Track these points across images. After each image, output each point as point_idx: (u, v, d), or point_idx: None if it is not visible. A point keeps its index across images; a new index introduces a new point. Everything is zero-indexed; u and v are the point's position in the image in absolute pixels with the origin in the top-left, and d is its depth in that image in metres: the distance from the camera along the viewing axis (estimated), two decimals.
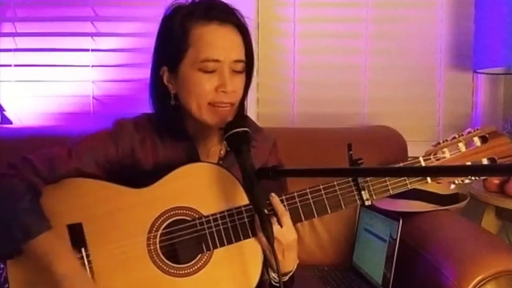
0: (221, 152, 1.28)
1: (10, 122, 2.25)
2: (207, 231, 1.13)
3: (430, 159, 1.15)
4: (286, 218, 1.11)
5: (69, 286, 1.05)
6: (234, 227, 1.13)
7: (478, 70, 2.15)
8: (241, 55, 1.18)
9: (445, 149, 1.14)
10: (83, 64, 2.26)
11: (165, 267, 1.12)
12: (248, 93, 1.25)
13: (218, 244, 1.13)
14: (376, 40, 2.29)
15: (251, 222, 1.13)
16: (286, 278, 1.19)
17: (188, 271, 1.12)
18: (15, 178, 1.11)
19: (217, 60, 1.14)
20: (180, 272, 1.12)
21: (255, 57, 1.25)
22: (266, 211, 1.05)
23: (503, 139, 1.12)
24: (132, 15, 2.27)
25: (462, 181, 1.17)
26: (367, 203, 1.15)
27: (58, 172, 1.15)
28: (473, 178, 1.18)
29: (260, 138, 1.33)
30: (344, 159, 1.15)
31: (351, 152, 1.14)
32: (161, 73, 1.20)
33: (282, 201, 1.14)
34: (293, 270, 1.19)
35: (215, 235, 1.13)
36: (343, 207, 1.15)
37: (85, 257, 1.11)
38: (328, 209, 1.15)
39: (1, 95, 2.25)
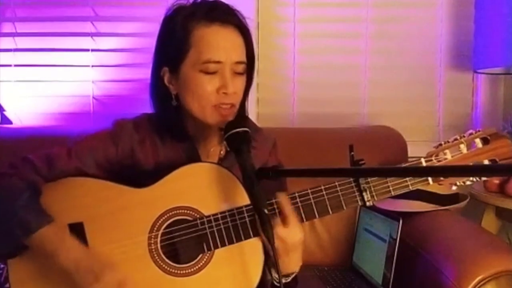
0: (221, 152, 1.28)
1: (10, 122, 2.25)
2: (208, 231, 1.13)
3: (431, 160, 1.15)
4: (291, 219, 1.11)
5: (82, 273, 1.05)
6: (235, 226, 1.13)
7: (478, 70, 2.15)
8: (242, 57, 1.18)
9: (447, 151, 1.14)
10: (83, 64, 2.26)
11: (166, 267, 1.12)
12: (248, 94, 1.25)
13: (219, 244, 1.13)
14: (376, 40, 2.30)
15: (252, 222, 1.13)
16: (289, 279, 1.18)
17: (189, 271, 1.13)
18: (14, 177, 1.12)
19: (218, 62, 1.14)
20: (181, 272, 1.12)
21: (255, 57, 1.24)
22: (266, 211, 1.05)
23: (505, 141, 1.12)
24: (132, 15, 2.27)
25: (464, 182, 1.17)
26: (368, 204, 1.15)
27: (58, 171, 1.16)
28: (474, 180, 1.18)
29: (260, 139, 1.33)
30: (345, 159, 1.15)
31: (352, 153, 1.14)
32: (162, 74, 1.20)
33: (273, 203, 1.13)
34: (297, 271, 1.18)
35: (216, 235, 1.13)
36: (344, 207, 1.15)
37: None
38: (329, 209, 1.14)
39: (1, 95, 2.25)
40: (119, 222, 1.13)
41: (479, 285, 1.27)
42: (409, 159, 1.19)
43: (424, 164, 1.15)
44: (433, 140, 1.66)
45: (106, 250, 1.12)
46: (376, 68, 2.30)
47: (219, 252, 1.13)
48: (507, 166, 0.72)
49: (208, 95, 1.15)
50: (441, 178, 1.15)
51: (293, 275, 1.19)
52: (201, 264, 1.13)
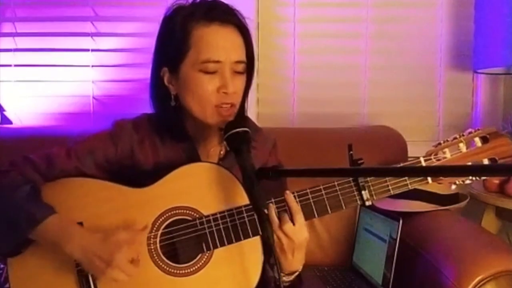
0: (221, 152, 1.28)
1: (10, 122, 2.24)
2: (207, 231, 1.13)
3: (430, 159, 1.15)
4: (300, 217, 1.11)
5: (91, 258, 1.05)
6: (234, 226, 1.13)
7: (478, 70, 2.15)
8: (242, 56, 1.18)
9: (446, 149, 1.14)
10: (83, 64, 2.26)
11: (165, 267, 1.12)
12: (248, 94, 1.25)
13: (218, 244, 1.13)
14: (376, 40, 2.29)
15: (252, 221, 1.13)
16: (292, 277, 1.19)
17: (188, 270, 1.13)
18: (13, 172, 1.13)
19: (218, 61, 1.13)
20: (180, 271, 1.12)
21: (255, 57, 1.24)
22: (266, 211, 1.05)
23: (504, 140, 1.12)
24: (132, 15, 2.27)
25: (463, 181, 1.17)
26: (368, 203, 1.15)
27: (57, 170, 1.16)
28: (473, 178, 1.18)
29: (260, 139, 1.33)
30: (344, 159, 1.15)
31: (351, 152, 1.14)
32: (161, 74, 1.20)
33: (282, 201, 1.14)
34: (300, 270, 1.19)
35: (215, 234, 1.13)
36: (344, 207, 1.15)
37: None
38: (329, 209, 1.15)
39: (1, 95, 2.25)
40: (119, 222, 1.13)
41: (479, 285, 1.27)
42: (409, 159, 1.19)
43: (423, 163, 1.15)
44: (433, 140, 1.66)
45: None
46: (376, 68, 2.30)
47: (219, 252, 1.13)
48: (507, 166, 0.72)
49: (208, 95, 1.14)
50: (440, 177, 1.15)
51: (296, 273, 1.19)
52: (200, 264, 1.13)
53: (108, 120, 1.25)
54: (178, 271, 1.12)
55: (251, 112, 1.29)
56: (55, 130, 1.97)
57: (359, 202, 1.15)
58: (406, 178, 1.14)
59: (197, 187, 1.15)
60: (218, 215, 1.14)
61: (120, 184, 1.16)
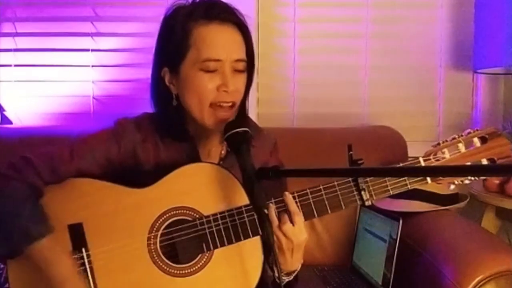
0: (222, 152, 1.28)
1: (10, 122, 2.24)
2: (207, 231, 1.13)
3: (430, 159, 1.15)
4: (299, 218, 1.11)
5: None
6: (234, 226, 1.13)
7: (478, 70, 2.15)
8: (242, 54, 1.18)
9: (445, 150, 1.14)
10: (83, 64, 2.26)
11: (165, 267, 1.13)
12: (249, 93, 1.25)
13: (218, 244, 1.13)
14: (376, 40, 2.29)
15: (252, 221, 1.13)
16: (291, 277, 1.19)
17: (189, 271, 1.13)
18: (15, 181, 1.11)
19: (218, 60, 1.14)
20: (181, 272, 1.12)
21: (255, 56, 1.24)
22: (266, 211, 1.05)
23: (503, 140, 1.12)
24: (132, 15, 2.27)
25: (462, 181, 1.17)
26: (367, 203, 1.15)
27: (59, 172, 1.15)
28: (472, 178, 1.18)
29: (261, 139, 1.33)
30: (344, 159, 1.15)
31: (351, 152, 1.14)
32: (162, 74, 1.20)
33: (282, 201, 1.14)
34: (298, 269, 1.19)
35: (216, 235, 1.13)
36: (343, 207, 1.15)
37: (85, 257, 1.12)
38: (328, 209, 1.15)
39: (1, 95, 2.25)
40: (119, 222, 1.13)
41: (479, 285, 1.27)
42: (409, 159, 1.19)
43: (422, 163, 1.15)
44: (433, 140, 1.65)
45: (106, 250, 1.12)
46: (376, 68, 2.30)
47: (219, 252, 1.14)
48: (506, 166, 0.72)
49: (208, 93, 1.14)
50: (440, 177, 1.16)
51: (295, 273, 1.19)
52: (200, 264, 1.13)
53: (108, 120, 1.24)
54: (178, 271, 1.13)
55: (251, 112, 1.29)
56: (55, 130, 1.97)
57: (358, 202, 1.15)
58: (406, 178, 1.14)
59: (197, 188, 1.15)
60: (218, 215, 1.14)
61: (120, 184, 1.16)
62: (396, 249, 1.50)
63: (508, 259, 1.30)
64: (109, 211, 1.14)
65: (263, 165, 1.22)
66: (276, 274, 1.16)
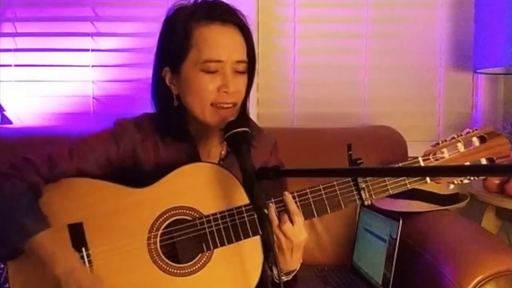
0: (222, 152, 1.29)
1: (10, 122, 2.25)
2: (207, 231, 1.13)
3: (429, 159, 1.15)
4: (298, 218, 1.11)
5: (70, 284, 1.05)
6: (234, 226, 1.13)
7: (478, 70, 2.15)
8: (243, 56, 1.18)
9: (444, 149, 1.14)
10: (83, 64, 2.26)
11: (165, 267, 1.13)
12: (250, 94, 1.25)
13: (218, 244, 1.13)
14: (376, 40, 2.30)
15: (252, 221, 1.13)
16: (290, 277, 1.20)
17: (189, 270, 1.13)
18: (15, 178, 1.11)
19: (219, 61, 1.14)
20: (181, 271, 1.13)
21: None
22: (266, 211, 1.05)
23: (502, 139, 1.12)
24: (132, 15, 2.27)
25: (461, 181, 1.17)
26: (367, 202, 1.15)
27: (59, 171, 1.15)
28: (472, 178, 1.18)
29: (261, 139, 1.33)
30: (344, 159, 1.15)
31: (350, 152, 1.15)
32: (163, 74, 1.20)
33: (282, 201, 1.14)
34: (297, 269, 1.20)
35: (215, 234, 1.13)
36: (343, 206, 1.15)
37: (85, 257, 1.12)
38: (328, 209, 1.15)
39: (1, 95, 2.25)
40: (119, 222, 1.13)
41: (479, 285, 1.27)
42: (409, 159, 1.19)
43: (421, 162, 1.15)
44: (433, 140, 1.65)
45: (105, 250, 1.12)
46: (376, 68, 2.30)
47: (219, 252, 1.14)
48: (506, 166, 0.72)
49: (209, 94, 1.15)
50: (439, 177, 1.16)
51: (294, 273, 1.19)
52: (200, 263, 1.13)
53: (108, 120, 1.24)
54: (178, 271, 1.13)
55: (251, 112, 1.30)
56: (55, 130, 1.97)
57: (358, 201, 1.15)
58: (405, 178, 1.14)
59: (197, 187, 1.15)
60: (218, 215, 1.14)
61: (120, 184, 1.16)
62: (396, 249, 1.50)
63: (508, 259, 1.30)
64: (109, 211, 1.14)
65: (263, 165, 1.23)
66: (275, 274, 1.16)
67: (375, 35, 2.29)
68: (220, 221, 1.14)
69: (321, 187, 1.15)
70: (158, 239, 1.13)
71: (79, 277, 1.06)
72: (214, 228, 1.13)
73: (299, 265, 1.19)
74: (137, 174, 1.21)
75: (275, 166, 1.10)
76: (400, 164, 1.16)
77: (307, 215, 1.14)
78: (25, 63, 2.25)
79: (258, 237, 1.14)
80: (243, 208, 1.14)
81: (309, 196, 1.15)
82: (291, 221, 1.11)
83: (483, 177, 1.82)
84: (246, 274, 1.13)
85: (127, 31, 2.26)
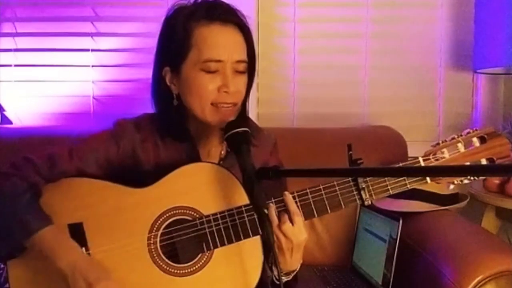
0: (222, 152, 1.29)
1: (10, 122, 2.25)
2: (207, 231, 1.13)
3: (429, 159, 1.15)
4: (298, 218, 1.11)
5: (76, 277, 1.05)
6: (234, 226, 1.13)
7: (478, 70, 2.15)
8: (243, 56, 1.18)
9: (444, 150, 1.14)
10: (83, 64, 2.26)
11: (165, 267, 1.13)
12: (250, 94, 1.25)
13: (218, 244, 1.13)
14: (376, 40, 2.29)
15: (252, 221, 1.13)
16: (290, 277, 1.19)
17: (189, 270, 1.13)
18: (15, 177, 1.12)
19: (219, 61, 1.14)
20: (181, 271, 1.13)
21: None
22: (266, 211, 1.05)
23: (502, 140, 1.12)
24: (132, 15, 2.27)
25: (461, 181, 1.17)
26: (367, 202, 1.15)
27: (59, 171, 1.16)
28: (472, 178, 1.18)
29: (261, 139, 1.33)
30: (344, 159, 1.15)
31: (351, 152, 1.15)
32: (163, 74, 1.20)
33: (282, 201, 1.14)
34: (297, 269, 1.20)
35: (216, 234, 1.13)
36: (343, 206, 1.15)
37: None
38: (328, 209, 1.15)
39: (1, 95, 2.25)
40: (119, 222, 1.13)
41: (479, 285, 1.27)
42: (409, 159, 1.19)
43: (422, 163, 1.15)
44: (433, 140, 1.65)
45: (105, 250, 1.12)
46: (376, 68, 2.30)
47: (219, 252, 1.14)
48: (506, 166, 0.72)
49: (209, 94, 1.15)
50: (439, 177, 1.16)
51: (294, 273, 1.19)
52: (200, 263, 1.13)
53: (108, 120, 1.24)
54: (178, 271, 1.13)
55: (251, 112, 1.30)
56: (55, 130, 1.97)
57: (358, 201, 1.15)
58: (405, 178, 1.14)
59: (197, 187, 1.15)
60: (218, 215, 1.14)
61: (120, 184, 1.16)
62: (396, 249, 1.50)
63: (508, 259, 1.30)
64: (109, 211, 1.14)
65: (263, 165, 1.23)
66: (275, 274, 1.16)
67: (375, 35, 2.29)
68: (220, 221, 1.14)
69: (321, 187, 1.15)
70: (158, 239, 1.13)
71: (85, 269, 1.06)
72: (214, 228, 1.13)
73: (299, 266, 1.19)
74: (137, 174, 1.21)
75: (275, 166, 1.10)
76: (401, 164, 1.16)
77: (307, 215, 1.14)
78: (25, 63, 2.25)
79: (258, 237, 1.14)
80: (243, 208, 1.14)
81: (309, 196, 1.15)
82: (291, 221, 1.11)
83: (483, 178, 1.82)
84: (246, 274, 1.13)
85: (127, 31, 2.26)
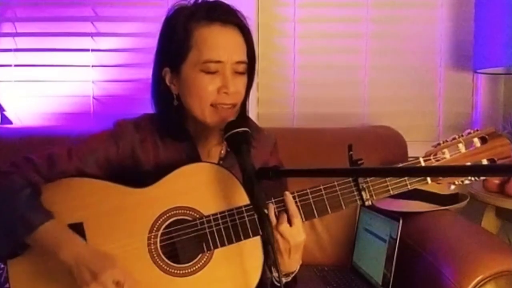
0: (222, 152, 1.29)
1: (10, 122, 2.25)
2: (207, 231, 1.13)
3: (430, 159, 1.15)
4: (297, 220, 1.11)
5: (81, 269, 1.05)
6: (234, 226, 1.13)
7: (478, 70, 2.15)
8: (243, 56, 1.18)
9: (445, 150, 1.14)
10: (83, 64, 2.26)
11: (165, 267, 1.13)
12: (250, 94, 1.25)
13: (218, 244, 1.13)
14: (376, 40, 2.29)
15: (252, 221, 1.13)
16: (289, 278, 1.19)
17: (189, 270, 1.13)
18: (14, 175, 1.12)
19: (219, 61, 1.14)
20: (181, 271, 1.13)
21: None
22: (266, 211, 1.05)
23: (503, 140, 1.12)
24: (132, 15, 2.27)
25: (462, 181, 1.17)
26: (367, 203, 1.15)
27: (58, 171, 1.16)
28: (473, 178, 1.18)
29: (261, 139, 1.33)
30: (345, 159, 1.15)
31: (351, 152, 1.14)
32: (163, 74, 1.20)
33: (282, 201, 1.14)
34: (296, 271, 1.19)
35: (216, 234, 1.13)
36: (344, 207, 1.15)
37: None
38: (329, 209, 1.15)
39: (1, 95, 2.25)
40: (119, 222, 1.13)
41: (479, 285, 1.27)
42: (409, 159, 1.19)
43: (422, 163, 1.15)
44: (433, 140, 1.66)
45: (105, 250, 1.12)
46: (376, 68, 2.30)
47: (219, 252, 1.14)
48: (507, 166, 0.72)
49: (208, 94, 1.15)
50: (440, 178, 1.16)
51: (293, 274, 1.19)
52: (200, 264, 1.13)
53: (108, 120, 1.25)
54: (178, 271, 1.13)
55: (251, 112, 1.30)
56: (55, 130, 1.97)
57: (359, 202, 1.15)
58: (406, 178, 1.14)
59: (197, 187, 1.15)
60: (218, 215, 1.14)
61: (120, 184, 1.16)
62: (396, 249, 1.50)
63: (508, 259, 1.30)
64: (109, 211, 1.14)
65: (263, 165, 1.23)
66: (275, 275, 1.16)
67: (375, 35, 2.29)
68: (220, 221, 1.13)
69: (321, 187, 1.15)
70: (158, 239, 1.13)
71: (88, 260, 1.06)
72: (214, 228, 1.13)
73: (298, 267, 1.19)
74: (137, 174, 1.21)
75: (275, 166, 1.10)
76: (401, 165, 1.15)
77: (308, 215, 1.14)
78: (25, 63, 2.25)
79: (258, 238, 1.14)
80: (243, 208, 1.13)
81: (310, 196, 1.14)
82: (290, 222, 1.11)
83: (483, 178, 1.82)
84: (246, 274, 1.13)
85: (127, 31, 2.26)
